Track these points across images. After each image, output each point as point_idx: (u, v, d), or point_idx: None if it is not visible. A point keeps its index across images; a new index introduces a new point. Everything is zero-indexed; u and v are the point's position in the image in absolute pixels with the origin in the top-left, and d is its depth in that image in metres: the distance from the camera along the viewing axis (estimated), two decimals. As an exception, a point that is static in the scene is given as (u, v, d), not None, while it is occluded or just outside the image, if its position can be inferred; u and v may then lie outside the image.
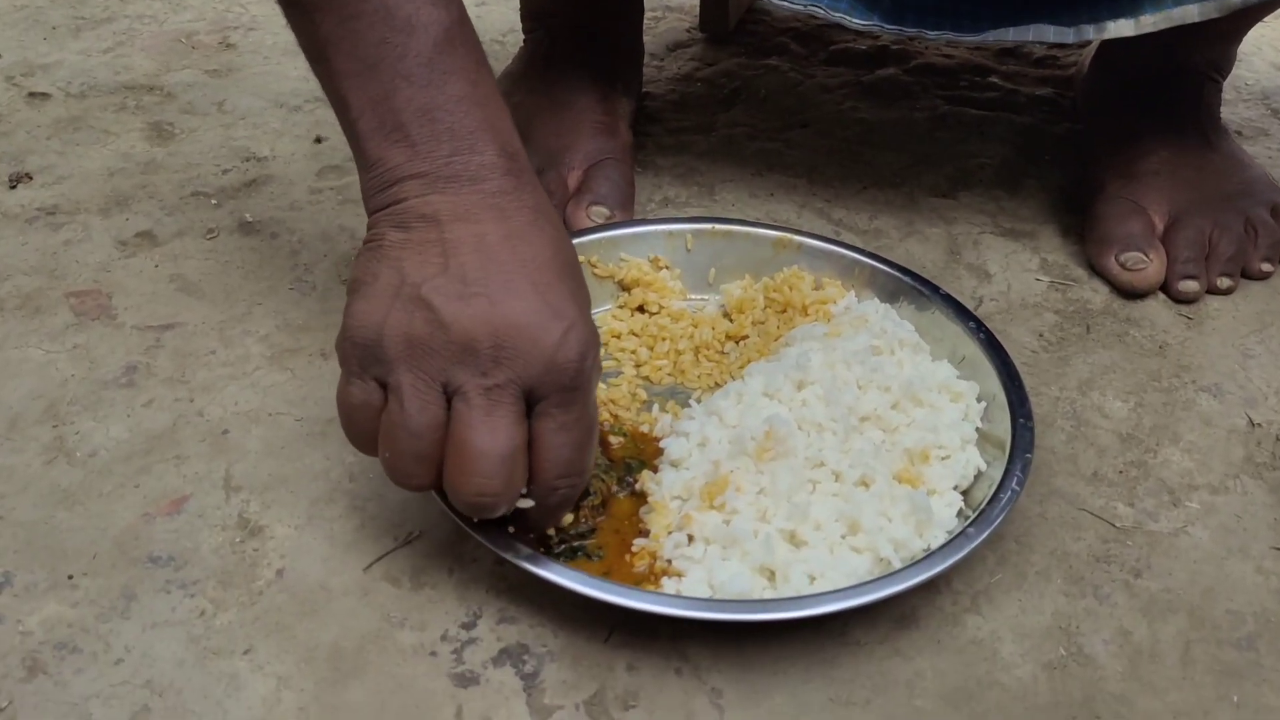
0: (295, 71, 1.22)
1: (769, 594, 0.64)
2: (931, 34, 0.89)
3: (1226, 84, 1.11)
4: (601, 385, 0.79)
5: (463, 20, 0.63)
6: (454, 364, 0.57)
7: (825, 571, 0.64)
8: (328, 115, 1.13)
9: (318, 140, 1.09)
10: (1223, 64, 1.06)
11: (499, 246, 0.59)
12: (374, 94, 0.61)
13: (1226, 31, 1.03)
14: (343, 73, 0.62)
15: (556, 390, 0.58)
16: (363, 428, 0.61)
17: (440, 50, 0.61)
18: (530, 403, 0.59)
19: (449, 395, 0.58)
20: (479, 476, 0.57)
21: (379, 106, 0.61)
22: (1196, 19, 0.84)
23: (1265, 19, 1.00)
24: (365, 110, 0.61)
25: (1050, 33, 0.86)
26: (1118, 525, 0.73)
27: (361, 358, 0.59)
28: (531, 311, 0.57)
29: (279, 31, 1.29)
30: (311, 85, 1.18)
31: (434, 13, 0.61)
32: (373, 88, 0.61)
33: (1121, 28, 0.86)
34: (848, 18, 0.88)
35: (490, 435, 0.57)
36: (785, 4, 0.88)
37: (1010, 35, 0.87)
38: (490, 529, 0.64)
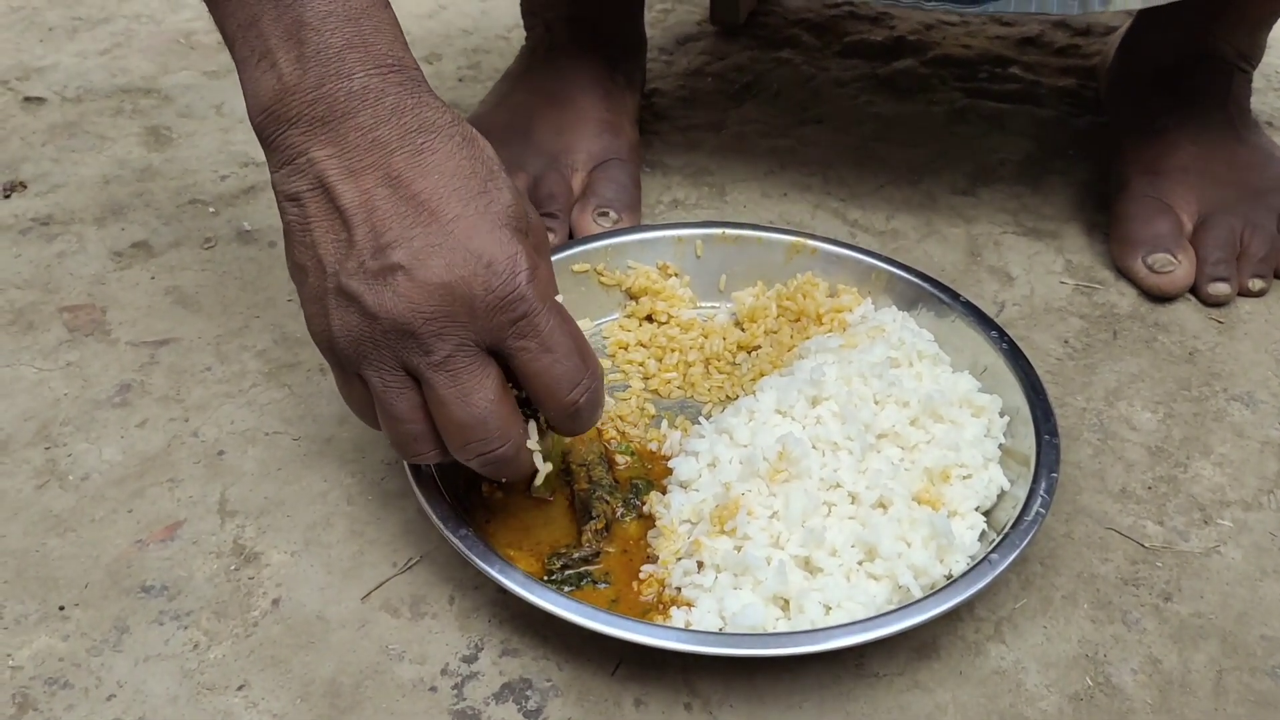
0: (296, 71, 1.19)
1: (782, 625, 0.61)
2: (929, 5, 0.85)
3: (1256, 73, 1.07)
4: (609, 400, 0.76)
5: None
6: (400, 351, 0.56)
7: (841, 601, 0.61)
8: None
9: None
10: (1252, 53, 1.02)
11: (400, 189, 0.56)
12: (243, 19, 0.57)
13: (1255, 18, 0.99)
14: None
15: (507, 327, 0.56)
16: (365, 416, 0.62)
17: None
18: (493, 347, 0.57)
19: (413, 376, 0.58)
20: (473, 443, 0.57)
21: (248, 31, 0.57)
22: None
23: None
24: (237, 37, 0.58)
25: (1054, 5, 0.82)
26: (1146, 545, 0.70)
27: (335, 362, 0.60)
28: (448, 265, 0.55)
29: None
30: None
31: None
32: (242, 12, 0.57)
33: (1129, 0, 0.82)
34: None
35: (462, 405, 0.56)
36: None
37: (1012, 7, 0.83)
38: (491, 557, 0.61)
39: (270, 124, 0.57)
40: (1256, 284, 0.89)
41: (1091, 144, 1.09)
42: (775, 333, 0.81)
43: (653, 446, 0.74)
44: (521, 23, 1.09)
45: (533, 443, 0.61)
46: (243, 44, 0.57)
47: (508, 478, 0.62)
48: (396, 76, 0.57)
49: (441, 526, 0.63)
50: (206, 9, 0.60)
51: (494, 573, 0.61)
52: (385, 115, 0.56)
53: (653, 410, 0.77)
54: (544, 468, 0.63)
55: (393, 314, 0.55)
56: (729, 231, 0.85)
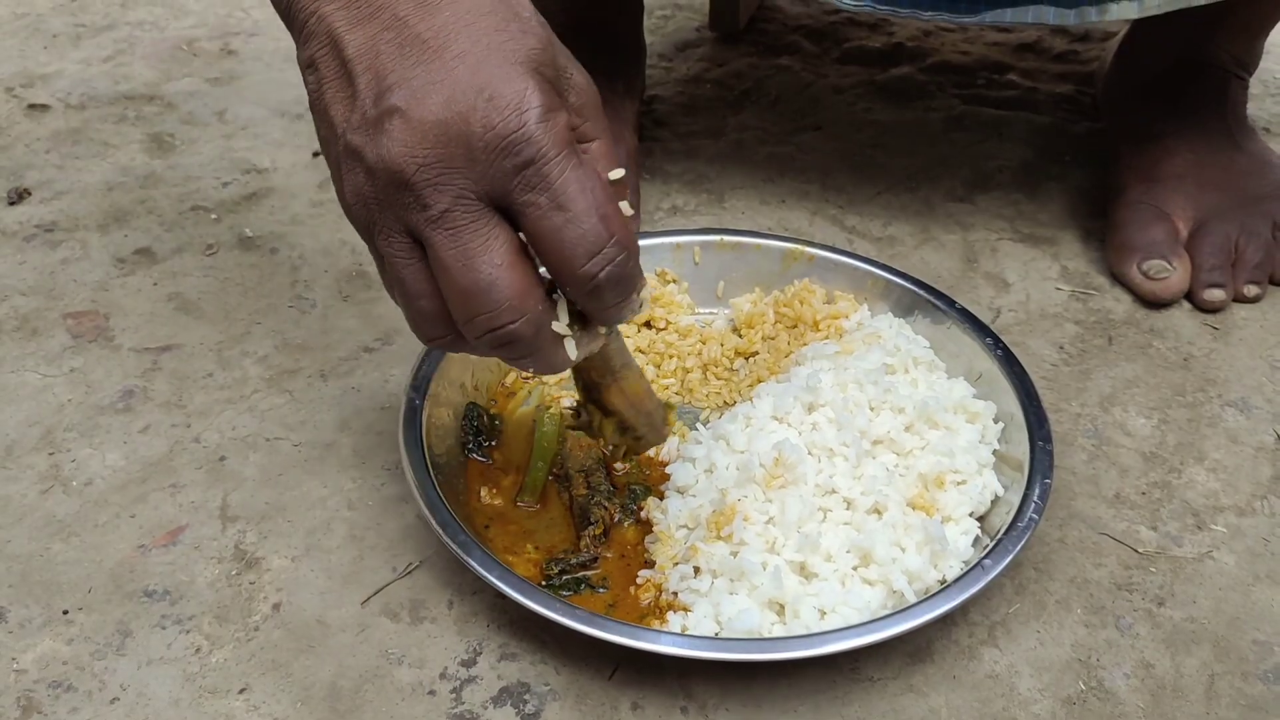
0: (297, 78, 1.19)
1: (778, 630, 0.62)
2: (926, 14, 0.85)
3: (1255, 79, 1.08)
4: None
5: None
6: (400, 209, 0.50)
7: (836, 606, 0.62)
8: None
9: (316, 154, 1.07)
10: (1248, 59, 1.03)
11: (405, 30, 0.50)
12: None
13: (1251, 24, 1.00)
14: None
15: (515, 174, 0.48)
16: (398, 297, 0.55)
17: None
18: (500, 202, 0.50)
19: (419, 242, 0.51)
20: (480, 316, 0.50)
21: None
22: (1201, 1, 0.80)
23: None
24: None
25: (1050, 14, 0.83)
26: (1140, 551, 0.70)
27: (362, 236, 0.53)
28: (446, 101, 0.48)
29: (280, 36, 1.27)
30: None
31: None
32: None
33: (1125, 10, 0.82)
34: (840, 0, 0.85)
35: (465, 268, 0.49)
36: None
37: (1008, 17, 0.84)
38: (490, 562, 0.62)
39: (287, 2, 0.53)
40: (1251, 290, 0.89)
41: (1089, 150, 1.09)
42: (773, 339, 0.82)
43: (650, 452, 0.74)
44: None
45: (560, 325, 0.53)
46: None
47: (533, 368, 0.54)
48: None
49: (440, 532, 0.63)
50: (209, 16, 0.59)
51: (492, 578, 0.61)
52: None
53: (651, 416, 0.78)
54: (573, 354, 0.54)
55: (388, 162, 0.49)
56: (726, 238, 0.86)
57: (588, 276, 0.50)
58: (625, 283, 0.51)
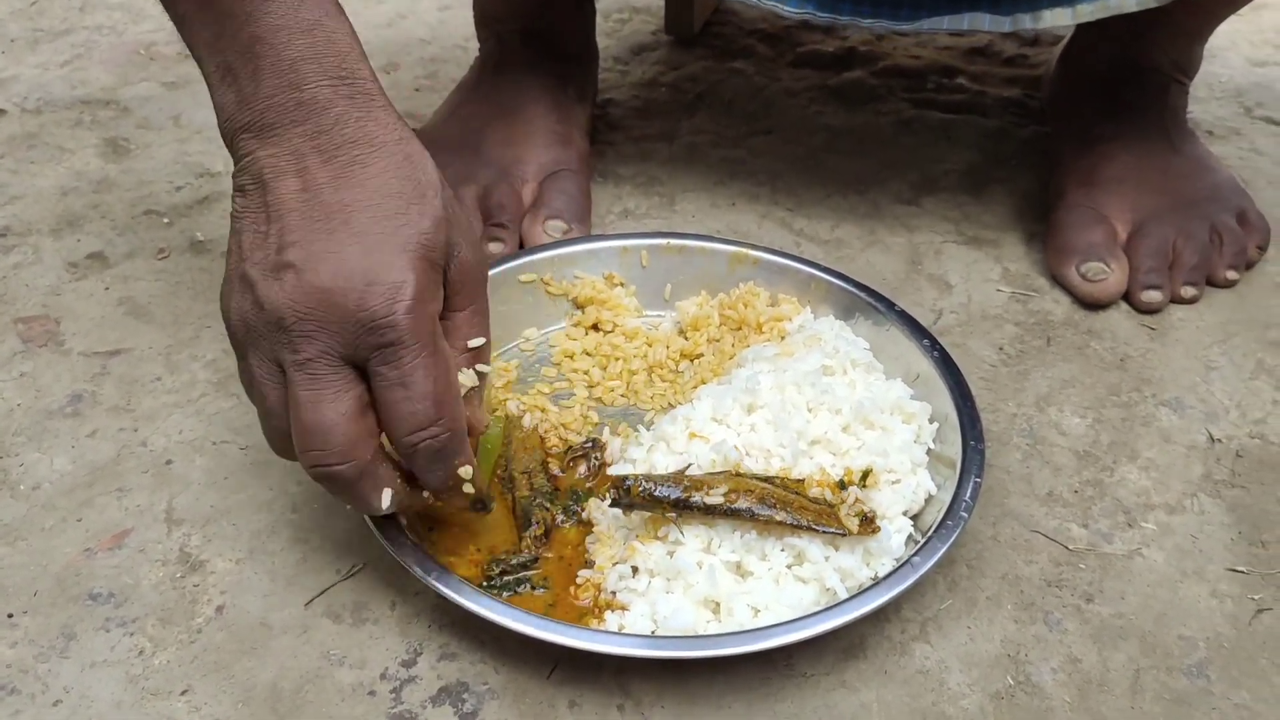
0: (254, 82, 1.21)
1: (713, 627, 0.63)
2: (866, 22, 0.87)
3: (1198, 80, 1.10)
4: (553, 408, 0.78)
5: None
6: (274, 344, 0.57)
7: (769, 603, 0.63)
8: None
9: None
10: (1188, 65, 1.04)
11: (319, 198, 0.57)
12: (207, 37, 0.59)
13: (1190, 29, 1.01)
14: (184, 18, 0.60)
15: (374, 349, 0.57)
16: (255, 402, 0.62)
17: None
18: (358, 363, 0.58)
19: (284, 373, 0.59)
20: (311, 451, 0.58)
21: (211, 49, 0.59)
22: (1134, 8, 0.82)
23: (1237, 12, 0.98)
24: (204, 55, 0.60)
25: (986, 21, 0.85)
26: (1071, 548, 0.72)
27: (233, 343, 0.61)
28: (333, 274, 0.56)
29: (239, 41, 1.27)
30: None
31: None
32: (206, 31, 0.59)
33: (1059, 16, 0.84)
34: (780, 5, 0.87)
35: (311, 408, 0.57)
36: None
37: (945, 25, 0.86)
38: (429, 564, 0.63)
39: (229, 132, 0.60)
40: (1189, 291, 0.91)
41: (1035, 154, 1.11)
42: (717, 341, 0.83)
43: (595, 454, 0.75)
44: (476, 34, 1.11)
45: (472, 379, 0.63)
46: (208, 60, 0.60)
47: (349, 504, 0.62)
48: (347, 89, 0.59)
49: (378, 534, 0.64)
50: (176, 29, 0.62)
51: (430, 579, 0.62)
52: (328, 125, 0.58)
53: (596, 418, 0.79)
54: (387, 504, 0.61)
55: (273, 305, 0.56)
56: (673, 242, 0.87)
57: (410, 445, 0.59)
58: (442, 456, 0.60)
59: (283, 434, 0.60)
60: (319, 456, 0.58)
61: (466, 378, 0.63)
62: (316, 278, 0.56)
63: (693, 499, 0.65)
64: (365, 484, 0.60)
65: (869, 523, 0.65)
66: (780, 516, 0.65)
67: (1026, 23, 0.84)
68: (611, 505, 0.66)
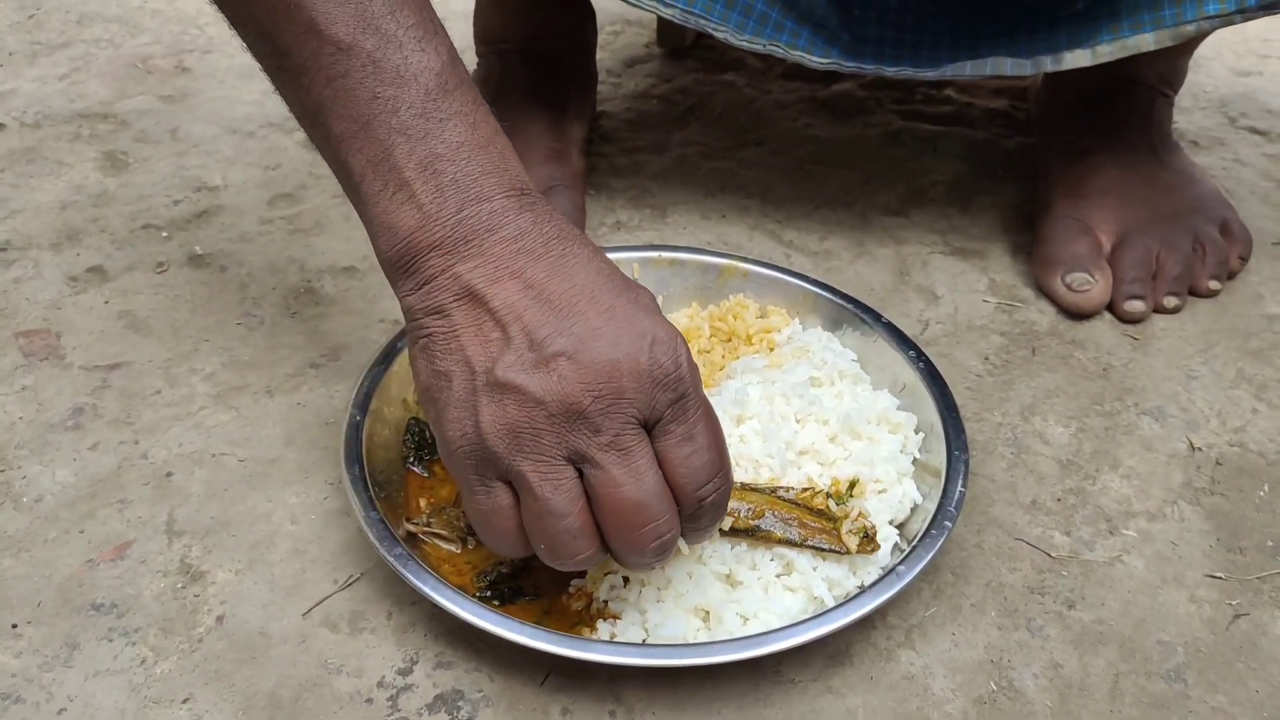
0: (250, 95, 1.22)
1: (703, 636, 0.65)
2: (890, 70, 0.89)
3: (1183, 91, 1.11)
4: None
5: (454, 61, 0.60)
6: (567, 435, 0.55)
7: (758, 611, 0.65)
8: (281, 141, 1.13)
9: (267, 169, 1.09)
10: (1174, 78, 1.06)
11: (546, 292, 0.57)
12: (372, 155, 0.58)
13: (1175, 47, 1.03)
14: (338, 136, 0.59)
15: (668, 406, 0.56)
16: (503, 531, 0.59)
17: (433, 97, 0.58)
18: (649, 425, 0.57)
19: (576, 465, 0.56)
20: (651, 525, 0.56)
21: (379, 167, 0.58)
22: (1152, 47, 0.85)
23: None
24: (366, 173, 0.59)
25: (1008, 65, 0.87)
26: (1054, 555, 0.73)
27: (475, 466, 0.58)
28: (612, 345, 0.55)
29: (235, 54, 1.29)
30: (265, 110, 1.19)
31: (423, 59, 0.58)
32: (370, 149, 0.58)
33: (1079, 58, 0.86)
34: (807, 56, 0.89)
35: (638, 484, 0.56)
36: (744, 43, 0.88)
37: (968, 70, 0.88)
38: (424, 574, 0.64)
39: (409, 253, 0.58)
40: (1171, 301, 0.93)
41: (1021, 165, 1.12)
42: (708, 353, 0.85)
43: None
44: (474, 48, 1.12)
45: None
46: (374, 179, 0.58)
47: (661, 564, 0.61)
48: (529, 198, 0.59)
49: (377, 545, 0.65)
50: (318, 147, 0.61)
51: (426, 589, 0.63)
52: (527, 228, 0.58)
53: (588, 429, 0.80)
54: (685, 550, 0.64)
55: (560, 395, 0.55)
56: (664, 255, 0.89)
57: (700, 499, 0.58)
58: (723, 507, 0.60)
59: (577, 533, 0.57)
60: (657, 529, 0.57)
61: None
62: (597, 354, 0.55)
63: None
64: (677, 539, 0.59)
65: (869, 540, 0.67)
66: (781, 533, 0.66)
67: (1048, 65, 0.86)
68: None
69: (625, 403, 0.55)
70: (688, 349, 0.58)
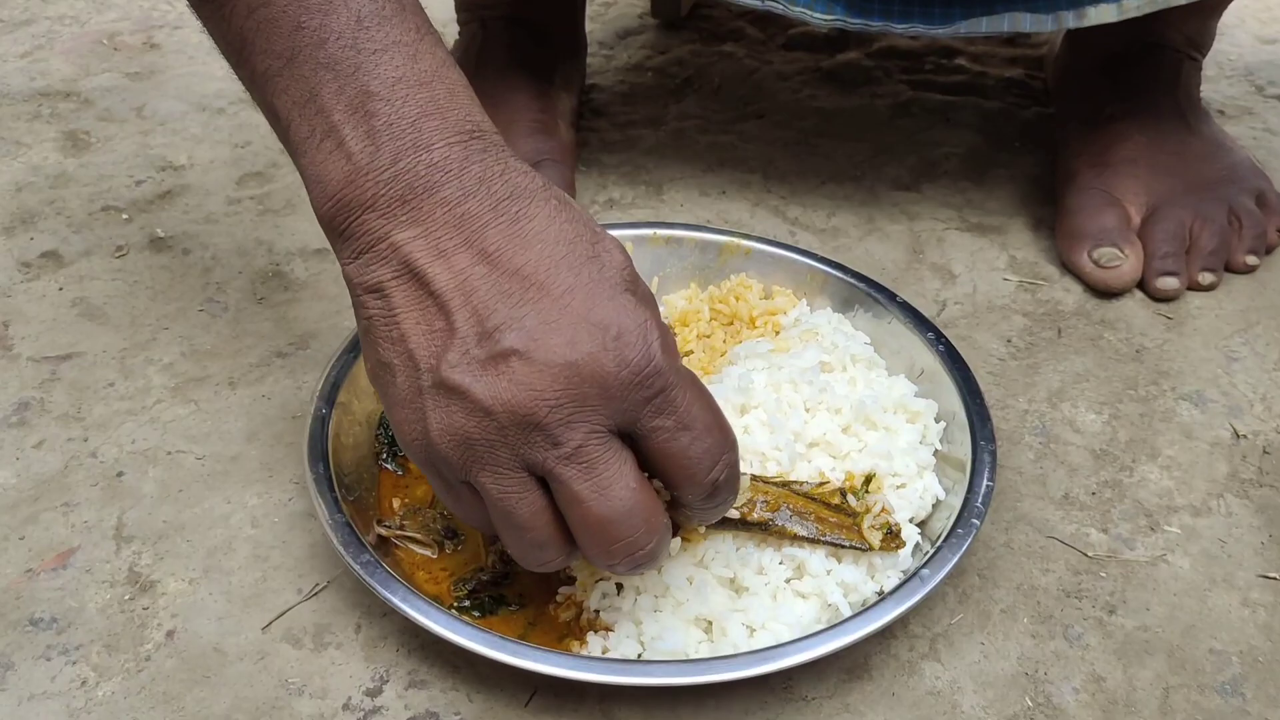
0: (222, 71, 1.14)
1: (705, 649, 0.58)
2: (899, 27, 0.82)
3: (1207, 60, 1.05)
4: None
5: None
6: (522, 447, 0.49)
7: (767, 621, 0.58)
8: (252, 118, 1.07)
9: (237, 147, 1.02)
10: (1202, 40, 0.99)
11: (497, 268, 0.49)
12: (297, 95, 0.50)
13: (1204, 5, 0.96)
14: (262, 74, 0.51)
15: (642, 405, 0.49)
16: (476, 524, 0.54)
17: (366, 26, 0.50)
18: (625, 429, 0.50)
19: (537, 476, 0.50)
20: (619, 544, 0.50)
21: (305, 109, 0.50)
22: (1182, 1, 0.77)
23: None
24: (293, 116, 0.51)
25: (1027, 21, 0.80)
26: (1090, 555, 0.67)
27: (435, 472, 0.52)
28: (569, 343, 0.48)
29: (206, 29, 1.22)
30: (238, 86, 1.11)
31: None
32: (295, 88, 0.50)
33: (1104, 13, 0.79)
34: (809, 13, 0.82)
35: (603, 500, 0.49)
36: (743, 0, 0.81)
37: (984, 26, 0.81)
38: (393, 584, 0.58)
39: (341, 211, 0.51)
40: (1206, 278, 0.86)
41: (1039, 136, 1.06)
42: (707, 337, 0.78)
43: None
44: (455, 18, 1.06)
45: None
46: (300, 123, 0.51)
47: (645, 572, 0.54)
48: (479, 143, 0.51)
49: (342, 551, 0.59)
50: (248, 89, 0.53)
51: (396, 600, 0.57)
52: (472, 186, 0.50)
53: (578, 421, 0.74)
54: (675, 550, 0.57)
55: (511, 405, 0.48)
56: (659, 232, 0.82)
57: (711, 484, 0.51)
58: (736, 479, 0.53)
59: (544, 544, 0.52)
60: (629, 546, 0.50)
61: None
62: (552, 355, 0.48)
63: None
64: (665, 543, 0.53)
65: (893, 537, 0.60)
66: (796, 529, 0.60)
67: (1070, 20, 0.79)
68: None
69: (589, 411, 0.48)
70: (660, 329, 0.50)
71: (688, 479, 0.51)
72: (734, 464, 0.53)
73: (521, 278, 0.49)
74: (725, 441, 0.52)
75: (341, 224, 0.51)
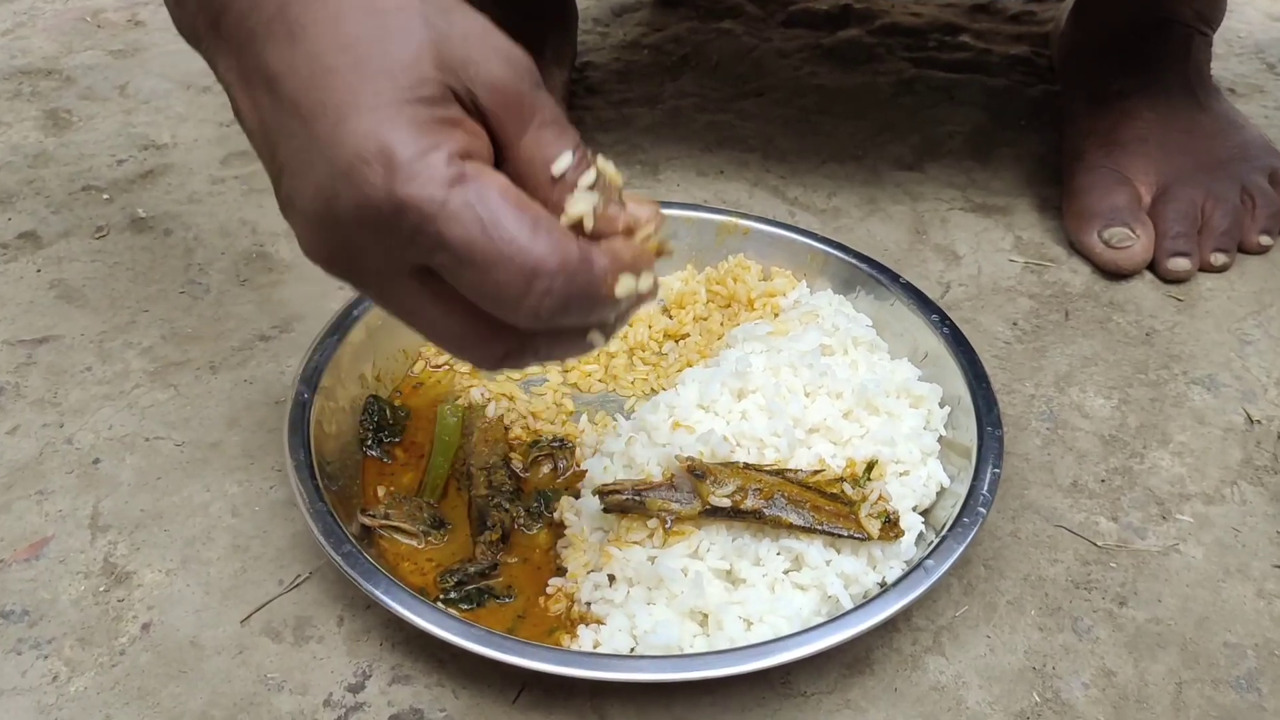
0: (208, 49, 1.13)
1: (700, 643, 0.56)
2: None
3: (1216, 37, 1.02)
4: (523, 396, 0.71)
5: None
6: (352, 279, 0.45)
7: (764, 615, 0.56)
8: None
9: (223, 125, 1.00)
10: (1211, 15, 0.97)
11: (274, 97, 0.43)
12: None
13: (1214, -23, 0.94)
14: None
15: (409, 244, 0.42)
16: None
17: None
18: (419, 264, 0.43)
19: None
20: (480, 355, 0.45)
21: None
22: None
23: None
24: None
25: None
26: (1100, 544, 0.64)
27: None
28: (316, 189, 0.42)
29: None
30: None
31: None
32: None
33: None
34: None
35: (434, 334, 0.45)
36: None
37: None
38: (377, 576, 0.55)
39: (191, 34, 0.49)
40: (1219, 258, 0.84)
41: (1045, 114, 1.03)
42: (704, 320, 0.76)
43: (565, 452, 0.68)
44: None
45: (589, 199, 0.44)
46: None
47: (609, 331, 0.46)
48: None
49: (323, 541, 0.57)
50: None
51: (378, 593, 0.55)
52: (246, 7, 0.45)
53: (571, 406, 0.71)
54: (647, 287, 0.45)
55: (309, 255, 0.45)
56: (655, 211, 0.79)
57: (533, 316, 0.42)
58: (579, 301, 0.42)
59: (459, 335, 0.45)
60: (484, 357, 0.45)
61: (582, 201, 0.44)
62: (307, 204, 0.43)
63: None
64: (597, 277, 0.42)
65: (892, 525, 0.58)
66: (792, 518, 0.57)
67: None
68: (605, 511, 0.59)
69: (360, 259, 0.43)
70: (411, 150, 0.40)
71: (505, 316, 0.43)
72: (554, 289, 0.41)
73: (293, 102, 0.43)
74: (526, 269, 0.41)
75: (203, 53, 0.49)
